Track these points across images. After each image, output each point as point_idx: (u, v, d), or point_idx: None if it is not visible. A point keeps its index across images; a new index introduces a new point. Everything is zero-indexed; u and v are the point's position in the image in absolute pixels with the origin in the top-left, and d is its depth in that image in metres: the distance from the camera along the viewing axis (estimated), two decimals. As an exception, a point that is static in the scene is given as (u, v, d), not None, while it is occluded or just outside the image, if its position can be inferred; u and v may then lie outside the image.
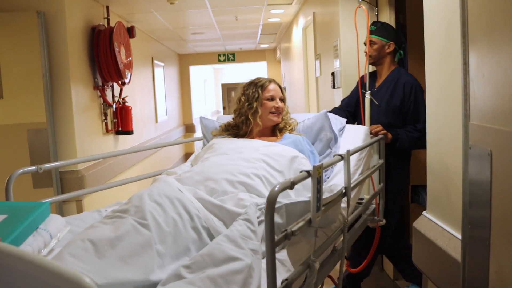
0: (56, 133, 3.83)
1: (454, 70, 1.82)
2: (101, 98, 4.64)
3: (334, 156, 1.86)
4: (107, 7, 4.93)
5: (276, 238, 1.26)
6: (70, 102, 3.90)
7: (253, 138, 2.47)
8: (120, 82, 4.80)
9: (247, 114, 2.47)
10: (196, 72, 12.47)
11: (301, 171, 1.43)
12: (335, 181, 2.28)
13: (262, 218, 1.62)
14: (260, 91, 2.47)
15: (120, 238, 1.43)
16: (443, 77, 2.03)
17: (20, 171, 2.07)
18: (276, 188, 1.25)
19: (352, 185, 1.92)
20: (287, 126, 2.53)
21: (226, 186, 1.92)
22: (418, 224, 2.24)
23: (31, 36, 3.69)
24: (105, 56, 4.41)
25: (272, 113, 2.46)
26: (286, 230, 1.32)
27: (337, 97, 3.95)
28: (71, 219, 1.94)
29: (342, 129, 2.67)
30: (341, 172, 2.22)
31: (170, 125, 8.89)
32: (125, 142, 5.43)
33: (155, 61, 7.63)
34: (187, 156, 10.70)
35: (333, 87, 3.98)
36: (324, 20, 4.50)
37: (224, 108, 22.51)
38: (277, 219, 1.63)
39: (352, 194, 2.00)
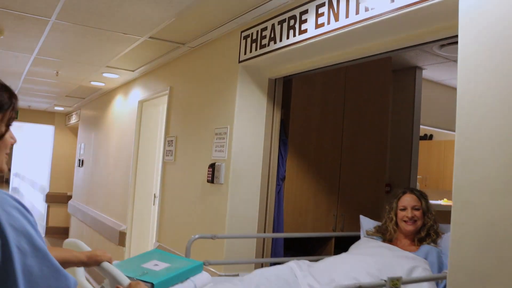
0: None
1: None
2: None
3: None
4: None
5: None
6: None
7: (394, 244, 2.73)
8: None
9: (388, 221, 2.84)
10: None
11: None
12: None
13: None
14: (395, 202, 2.83)
15: None
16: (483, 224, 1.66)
17: (197, 236, 2.61)
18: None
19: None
20: (429, 237, 2.68)
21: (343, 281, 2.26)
22: None
23: None
24: None
25: (404, 221, 2.74)
26: None
27: (214, 193, 3.33)
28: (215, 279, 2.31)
29: None
30: None
31: None
32: None
33: None
34: None
35: (211, 181, 3.32)
36: (195, 100, 3.88)
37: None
38: None
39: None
